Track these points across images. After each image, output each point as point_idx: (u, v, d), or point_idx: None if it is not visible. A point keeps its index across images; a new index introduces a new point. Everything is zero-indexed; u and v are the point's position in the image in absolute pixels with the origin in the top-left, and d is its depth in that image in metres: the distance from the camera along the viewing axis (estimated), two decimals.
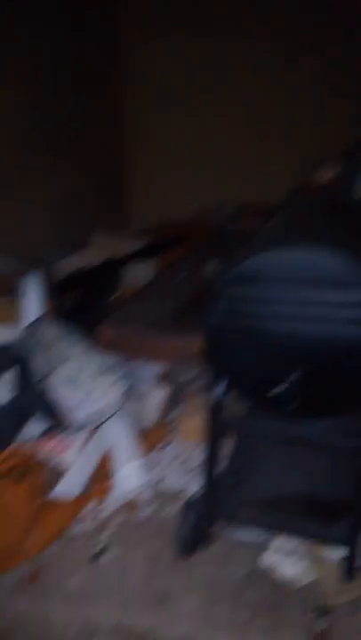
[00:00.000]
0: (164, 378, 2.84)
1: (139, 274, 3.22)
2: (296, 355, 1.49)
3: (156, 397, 2.59)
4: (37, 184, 3.98)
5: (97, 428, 2.40)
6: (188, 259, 2.51)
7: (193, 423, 2.41)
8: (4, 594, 1.84)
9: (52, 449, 2.27)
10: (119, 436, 2.38)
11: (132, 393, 2.55)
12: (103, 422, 2.40)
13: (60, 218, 4.29)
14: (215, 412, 1.70)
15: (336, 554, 1.81)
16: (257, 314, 1.50)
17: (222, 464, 2.07)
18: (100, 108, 4.98)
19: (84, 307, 3.06)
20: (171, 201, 5.23)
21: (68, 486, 2.15)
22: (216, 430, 1.71)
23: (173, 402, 2.70)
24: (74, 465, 2.23)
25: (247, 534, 2.01)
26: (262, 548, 1.96)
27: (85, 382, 2.48)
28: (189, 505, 1.93)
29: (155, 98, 5.27)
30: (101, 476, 2.29)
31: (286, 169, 4.75)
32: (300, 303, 1.43)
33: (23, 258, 3.41)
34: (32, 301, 2.75)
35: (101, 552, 2.01)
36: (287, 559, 1.94)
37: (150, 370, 2.79)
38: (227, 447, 2.13)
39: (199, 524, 1.90)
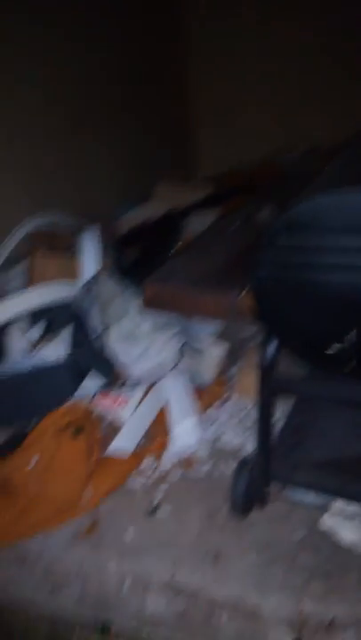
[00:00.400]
0: (223, 334, 2.76)
1: (201, 225, 3.10)
2: (354, 310, 1.34)
3: (214, 354, 2.52)
4: (98, 136, 3.90)
5: (154, 384, 2.37)
6: (247, 206, 2.36)
7: (251, 380, 2.31)
8: (62, 545, 1.88)
9: (108, 405, 2.28)
10: (176, 392, 2.34)
11: (189, 349, 2.49)
12: (160, 378, 2.37)
13: (122, 171, 4.22)
14: (267, 371, 1.59)
15: None
16: (311, 264, 1.35)
17: (281, 423, 1.99)
18: (163, 53, 4.76)
19: (144, 261, 3.00)
20: (238, 148, 4.98)
21: (124, 442, 2.15)
22: (268, 390, 1.62)
23: (232, 358, 2.62)
24: (130, 421, 2.22)
25: (306, 496, 1.93)
26: (322, 510, 1.88)
27: (142, 338, 2.45)
28: (243, 464, 1.87)
29: (219, 38, 4.95)
30: (158, 432, 2.28)
31: None
32: (359, 251, 1.27)
33: (84, 214, 3.38)
34: (89, 258, 2.72)
35: (157, 508, 2.01)
36: (348, 523, 1.84)
37: (209, 326, 2.71)
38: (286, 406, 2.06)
39: (253, 484, 1.84)
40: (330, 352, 1.39)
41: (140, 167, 4.44)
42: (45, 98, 3.38)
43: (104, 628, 1.62)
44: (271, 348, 1.58)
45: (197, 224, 3.20)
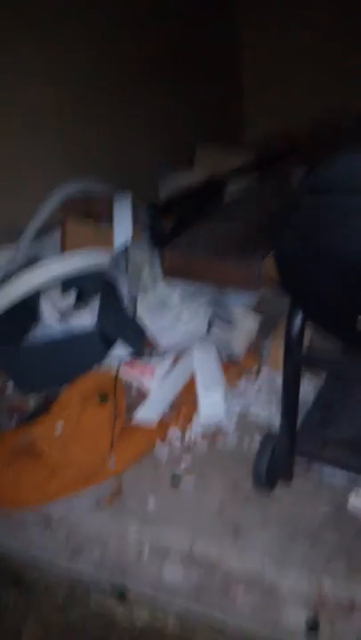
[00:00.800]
0: (257, 305, 2.67)
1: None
2: None
3: (245, 325, 2.45)
4: (137, 100, 3.81)
5: (182, 354, 2.33)
6: (285, 171, 2.24)
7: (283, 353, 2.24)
8: (85, 511, 1.90)
9: (135, 374, 2.26)
10: (204, 363, 2.30)
11: (220, 320, 2.43)
12: (189, 349, 2.33)
13: (162, 136, 4.12)
14: (292, 343, 1.52)
15: None
16: (338, 230, 1.26)
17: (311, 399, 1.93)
18: (210, 17, 4.57)
19: (181, 229, 2.93)
20: (284, 114, 4.78)
21: (150, 411, 2.14)
22: (292, 363, 1.55)
23: (265, 331, 2.55)
24: (156, 390, 2.20)
25: (334, 474, 1.87)
26: (349, 490, 1.81)
27: (172, 308, 2.40)
28: (268, 438, 1.82)
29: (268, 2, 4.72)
30: (185, 402, 2.25)
31: None
32: None
33: (121, 181, 3.33)
34: (122, 225, 2.68)
35: (180, 478, 1.99)
36: None
37: (242, 297, 2.64)
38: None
39: (278, 458, 1.79)
40: (356, 325, 1.30)
41: (182, 133, 4.33)
42: (86, 60, 3.32)
43: (121, 593, 1.63)
44: (297, 319, 1.51)
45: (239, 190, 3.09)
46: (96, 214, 2.85)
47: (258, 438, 2.05)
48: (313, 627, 1.47)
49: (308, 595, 1.55)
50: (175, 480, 1.99)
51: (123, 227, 2.68)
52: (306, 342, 2.30)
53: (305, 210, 1.27)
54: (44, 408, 2.18)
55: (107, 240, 2.67)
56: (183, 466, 2.04)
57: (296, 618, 1.50)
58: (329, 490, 1.86)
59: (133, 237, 2.66)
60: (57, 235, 2.80)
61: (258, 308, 2.65)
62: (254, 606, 1.55)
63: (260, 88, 5.07)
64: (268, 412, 2.20)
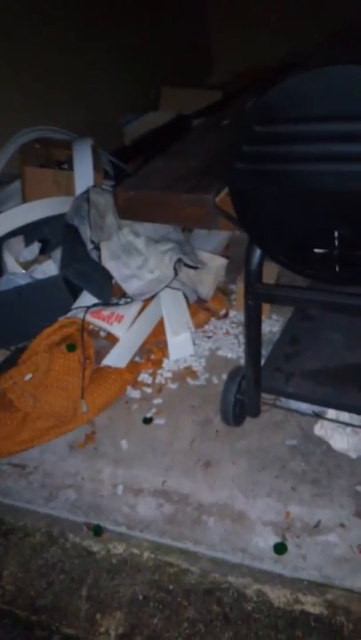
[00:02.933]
0: (224, 249, 2.63)
1: None
2: (335, 206, 1.20)
3: (212, 268, 2.40)
4: (103, 42, 3.60)
5: (151, 297, 2.28)
6: (239, 102, 2.14)
7: None
8: (59, 456, 1.90)
9: (103, 321, 2.22)
10: (172, 307, 2.27)
11: (187, 264, 2.37)
12: (157, 292, 2.28)
13: (127, 80, 3.93)
14: (251, 278, 1.48)
15: None
16: (288, 154, 1.19)
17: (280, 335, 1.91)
18: None
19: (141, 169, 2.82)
20: (256, 55, 4.58)
21: (119, 357, 2.11)
22: (252, 297, 1.51)
23: (232, 274, 2.51)
24: (124, 336, 2.17)
25: (301, 404, 1.88)
26: (315, 418, 1.83)
27: (138, 253, 2.34)
28: (233, 374, 1.82)
29: None
30: (154, 346, 2.23)
31: None
32: (345, 137, 1.11)
33: (87, 126, 3.17)
34: (83, 171, 2.57)
35: (152, 418, 1.99)
36: (340, 431, 1.80)
37: (208, 241, 2.58)
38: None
39: (243, 394, 1.79)
40: (314, 257, 1.27)
41: (147, 77, 4.13)
42: (45, 4, 3.10)
43: (97, 531, 1.64)
44: (255, 255, 1.46)
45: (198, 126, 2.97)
46: (56, 161, 2.73)
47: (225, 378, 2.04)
48: (281, 551, 1.50)
49: (277, 520, 1.58)
50: (146, 421, 1.99)
51: (83, 172, 2.57)
52: (272, 281, 2.29)
53: (255, 141, 1.21)
54: (12, 361, 2.14)
55: (68, 187, 2.57)
56: (154, 407, 2.03)
57: (264, 544, 1.53)
58: (296, 419, 1.88)
59: (95, 183, 2.56)
60: (17, 185, 2.68)
61: (225, 253, 2.61)
62: (224, 535, 1.57)
63: (227, 30, 4.84)
64: (235, 353, 2.19)
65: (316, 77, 1.11)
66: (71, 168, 2.61)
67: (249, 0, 4.67)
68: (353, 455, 1.73)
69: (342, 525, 1.53)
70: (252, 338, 1.64)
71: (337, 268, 1.32)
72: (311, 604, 1.40)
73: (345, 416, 1.78)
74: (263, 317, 1.93)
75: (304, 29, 4.37)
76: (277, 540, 1.54)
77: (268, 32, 4.63)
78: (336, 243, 1.27)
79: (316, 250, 1.31)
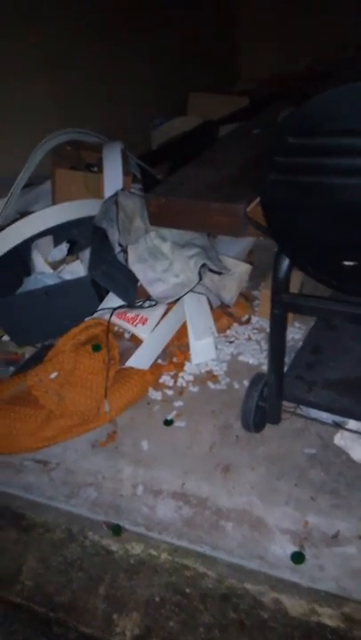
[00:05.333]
0: (248, 255, 2.60)
1: None
2: None
3: (237, 274, 2.38)
4: (133, 51, 3.60)
5: (175, 301, 2.27)
6: (275, 112, 2.10)
7: None
8: (81, 454, 1.89)
9: (128, 321, 2.21)
10: (195, 311, 2.25)
11: (212, 269, 2.35)
12: (181, 296, 2.26)
13: (155, 85, 3.92)
14: (278, 287, 1.46)
15: None
16: (320, 166, 1.17)
17: (303, 343, 1.88)
18: None
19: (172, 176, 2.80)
20: (283, 63, 4.55)
21: (142, 358, 2.10)
22: (279, 306, 1.49)
23: (255, 280, 2.48)
24: (148, 338, 2.15)
25: (321, 415, 1.85)
26: (336, 428, 1.79)
27: (164, 257, 2.32)
28: (256, 381, 1.79)
29: None
30: (177, 350, 2.21)
31: None
32: None
33: (113, 130, 3.17)
34: (112, 174, 2.56)
35: (172, 421, 1.97)
36: (360, 442, 1.76)
37: (233, 246, 2.56)
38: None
39: (265, 401, 1.76)
40: (342, 269, 1.24)
41: (176, 85, 4.12)
42: (77, 9, 3.10)
43: (116, 531, 1.63)
44: (283, 265, 1.44)
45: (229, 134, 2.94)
46: (86, 164, 2.73)
47: (247, 384, 2.01)
48: (298, 560, 1.47)
49: (295, 528, 1.56)
50: (168, 423, 1.97)
51: (113, 175, 2.56)
52: (296, 290, 2.25)
53: (289, 152, 1.18)
54: (38, 358, 2.14)
55: (97, 189, 2.56)
56: (175, 410, 2.02)
57: (282, 552, 1.50)
58: (317, 428, 1.84)
59: (124, 186, 2.55)
60: (47, 186, 2.68)
61: (248, 259, 2.58)
62: (242, 541, 1.55)
63: (255, 39, 4.81)
64: (257, 359, 2.17)
65: (354, 91, 1.08)
66: (101, 171, 2.60)
67: (274, 8, 4.63)
68: None
69: None
70: (276, 346, 1.61)
71: None
72: (328, 616, 1.37)
73: None
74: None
75: (327, 38, 4.33)
76: (295, 548, 1.51)
77: (293, 40, 4.59)
78: None
79: (345, 262, 1.28)
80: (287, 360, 1.69)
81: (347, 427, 1.78)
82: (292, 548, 1.51)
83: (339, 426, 1.79)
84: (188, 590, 1.47)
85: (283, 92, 3.53)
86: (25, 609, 1.49)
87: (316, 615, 1.38)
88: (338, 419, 1.79)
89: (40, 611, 1.48)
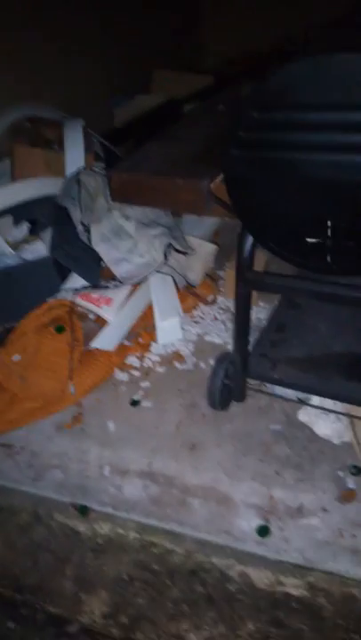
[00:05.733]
0: (213, 236, 2.59)
1: None
2: (334, 196, 1.17)
3: (202, 254, 2.37)
4: (94, 23, 3.48)
5: (140, 281, 2.24)
6: (232, 87, 2.08)
7: None
8: (46, 436, 1.87)
9: (93, 302, 2.17)
10: (161, 292, 2.23)
11: (176, 249, 2.33)
12: (145, 278, 2.24)
13: (120, 63, 3.81)
14: (242, 265, 1.46)
15: None
16: (283, 142, 1.16)
17: (267, 322, 1.89)
18: None
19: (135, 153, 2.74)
20: (246, 39, 4.49)
21: (107, 339, 2.07)
22: (243, 285, 1.49)
23: (220, 260, 2.48)
24: (113, 319, 2.13)
25: (285, 392, 1.87)
26: (300, 404, 1.82)
27: (128, 237, 2.29)
28: (221, 359, 1.79)
29: None
30: (142, 330, 2.19)
31: None
32: (343, 126, 1.08)
33: (75, 106, 3.08)
34: (74, 152, 2.50)
35: (139, 401, 1.97)
36: (324, 417, 1.79)
37: (198, 226, 2.54)
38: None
39: (230, 379, 1.77)
40: (305, 246, 1.24)
41: (138, 60, 4.02)
42: None
43: (83, 511, 1.62)
44: (247, 243, 1.43)
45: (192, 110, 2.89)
46: (45, 141, 2.65)
47: (213, 363, 2.02)
48: (264, 533, 1.50)
49: (261, 503, 1.58)
50: (134, 404, 1.96)
51: (74, 153, 2.50)
52: (260, 269, 2.26)
53: (252, 127, 1.17)
54: (0, 341, 2.09)
55: (58, 167, 2.50)
56: (142, 390, 2.01)
57: (248, 526, 1.52)
58: (281, 405, 1.87)
59: (86, 164, 2.49)
60: (5, 163, 2.59)
61: (214, 239, 2.57)
62: (209, 517, 1.57)
63: (217, 13, 4.73)
64: (222, 338, 2.17)
65: (316, 65, 1.07)
66: (61, 148, 2.53)
67: None
68: (336, 441, 1.73)
69: (324, 509, 1.54)
70: (241, 324, 1.62)
71: (328, 258, 1.30)
72: (293, 586, 1.40)
73: (328, 403, 1.77)
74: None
75: (296, 15, 4.29)
76: (261, 522, 1.54)
77: (261, 17, 4.54)
78: (329, 232, 1.24)
79: (308, 239, 1.28)
80: (251, 339, 1.70)
81: (310, 403, 1.81)
82: (257, 522, 1.53)
83: (302, 402, 1.82)
84: (156, 567, 1.48)
85: (250, 71, 3.49)
86: None
87: (281, 586, 1.41)
88: (302, 395, 1.82)
89: (7, 593, 1.46)
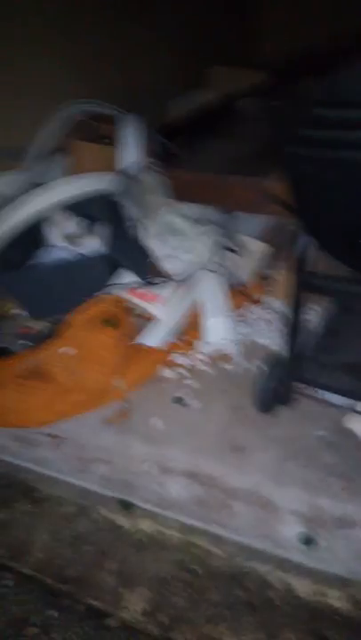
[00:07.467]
0: (264, 234, 2.53)
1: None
2: None
3: (252, 253, 2.32)
4: (148, 18, 3.47)
5: (189, 278, 2.23)
6: (298, 86, 2.02)
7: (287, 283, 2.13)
8: (92, 429, 1.88)
9: (140, 299, 2.17)
10: (209, 289, 2.20)
11: (227, 247, 2.30)
12: (194, 275, 2.22)
13: (172, 57, 3.79)
14: (297, 264, 1.42)
15: None
16: (348, 140, 1.11)
17: (318, 325, 1.84)
18: None
19: (194, 151, 2.71)
20: (303, 28, 4.37)
21: (155, 334, 2.07)
22: (297, 285, 1.45)
23: (272, 261, 2.42)
24: (161, 315, 2.12)
25: (334, 396, 1.81)
26: (347, 410, 1.76)
27: (179, 234, 2.28)
28: (269, 363, 1.76)
29: None
30: (190, 327, 2.18)
31: None
32: None
33: (130, 102, 3.07)
34: (129, 147, 2.50)
35: (184, 399, 1.95)
36: None
37: (249, 225, 2.49)
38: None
39: (278, 381, 1.73)
40: (358, 247, 1.19)
41: (191, 54, 3.98)
42: None
43: (126, 506, 1.63)
44: (303, 240, 1.39)
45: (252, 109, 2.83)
46: (102, 136, 2.66)
47: (259, 364, 1.99)
48: (307, 542, 1.46)
49: (304, 510, 1.54)
50: (179, 402, 1.95)
51: (130, 149, 2.50)
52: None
53: (318, 123, 1.12)
54: (51, 333, 2.12)
55: (114, 163, 2.50)
56: (187, 388, 2.00)
57: (290, 533, 1.49)
58: (329, 411, 1.81)
59: (141, 161, 2.49)
60: (61, 159, 2.62)
61: (264, 238, 2.51)
62: (251, 521, 1.54)
63: (273, 8, 4.62)
64: (270, 339, 2.13)
65: None
66: (117, 144, 2.54)
67: None
68: None
69: None
70: (293, 326, 1.58)
71: None
72: (335, 598, 1.36)
73: None
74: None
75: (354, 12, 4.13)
76: (304, 530, 1.50)
77: (318, 13, 4.40)
78: None
79: None
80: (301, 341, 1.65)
81: (358, 409, 1.75)
82: (300, 530, 1.49)
83: (351, 409, 1.76)
84: (196, 568, 1.47)
85: (308, 67, 3.39)
86: (35, 580, 1.50)
87: (323, 597, 1.37)
88: (349, 401, 1.76)
89: (50, 583, 1.49)
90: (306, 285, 1.45)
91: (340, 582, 1.39)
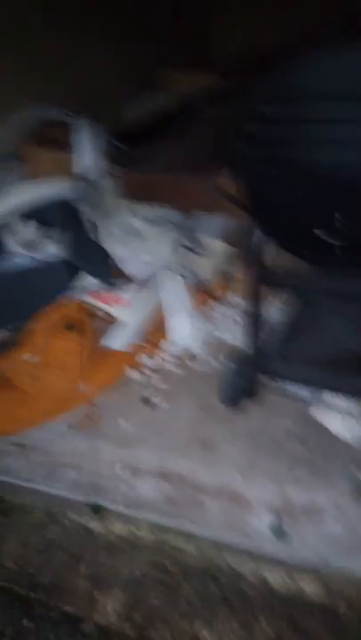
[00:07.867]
0: (228, 231, 2.56)
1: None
2: (341, 190, 1.15)
3: (213, 252, 2.34)
4: (97, 21, 3.46)
5: (151, 280, 2.23)
6: (243, 84, 2.05)
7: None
8: (59, 435, 1.86)
9: (104, 301, 2.16)
10: (173, 289, 2.21)
11: (187, 247, 2.32)
12: (155, 276, 2.22)
13: (125, 60, 3.79)
14: (251, 260, 1.44)
15: None
16: (299, 141, 1.14)
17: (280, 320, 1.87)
18: None
19: (149, 155, 2.73)
20: (251, 34, 4.43)
21: (119, 338, 2.06)
22: (253, 280, 1.47)
23: (232, 259, 2.45)
24: (124, 318, 2.12)
25: (299, 388, 1.84)
26: (313, 402, 1.79)
27: (138, 235, 2.28)
28: (233, 358, 1.77)
29: None
30: (154, 328, 2.18)
31: None
32: (344, 123, 1.05)
33: (85, 107, 3.06)
34: (84, 152, 2.49)
35: (151, 399, 1.95)
36: (336, 414, 1.76)
37: (209, 225, 2.51)
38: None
39: (242, 376, 1.75)
40: (314, 236, 1.21)
41: (146, 58, 3.99)
42: None
43: (96, 509, 1.61)
44: (257, 237, 1.41)
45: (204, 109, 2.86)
46: (56, 141, 2.64)
47: (224, 360, 2.00)
48: (278, 532, 1.48)
49: (273, 500, 1.56)
50: (146, 402, 1.95)
51: (85, 153, 2.49)
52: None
53: (264, 121, 1.14)
54: (12, 341, 2.09)
55: (67, 168, 2.49)
56: (153, 388, 2.00)
57: (261, 524, 1.50)
58: (292, 404, 1.84)
59: (96, 164, 2.48)
60: (17, 165, 2.59)
61: (225, 237, 2.54)
62: (222, 516, 1.55)
63: (224, 11, 4.68)
64: (234, 335, 2.15)
65: (327, 55, 1.05)
66: (72, 148, 2.52)
67: None
68: (348, 437, 1.70)
69: (338, 506, 1.51)
70: (252, 321, 1.59)
71: (338, 252, 1.27)
72: (307, 585, 1.38)
73: (340, 400, 1.75)
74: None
75: (305, 9, 4.22)
76: (274, 520, 1.51)
77: (271, 13, 4.48)
78: (338, 226, 1.22)
79: (316, 231, 1.25)
80: (264, 335, 1.67)
81: (322, 399, 1.78)
82: (271, 520, 1.51)
83: (315, 399, 1.79)
84: (169, 566, 1.47)
85: (259, 68, 3.45)
86: (7, 591, 1.47)
87: (295, 584, 1.39)
88: (315, 393, 1.79)
89: (21, 592, 1.46)
90: (262, 280, 1.47)
91: (312, 570, 1.41)
